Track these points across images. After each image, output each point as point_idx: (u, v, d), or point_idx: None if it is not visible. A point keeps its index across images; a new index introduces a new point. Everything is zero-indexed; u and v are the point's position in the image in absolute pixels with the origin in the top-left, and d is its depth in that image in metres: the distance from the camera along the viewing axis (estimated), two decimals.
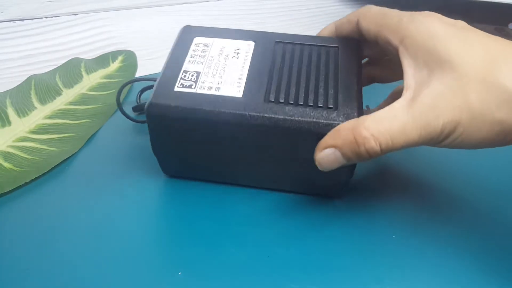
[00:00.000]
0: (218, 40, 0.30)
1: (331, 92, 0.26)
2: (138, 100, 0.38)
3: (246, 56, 0.28)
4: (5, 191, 0.29)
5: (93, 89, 0.41)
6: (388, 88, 0.31)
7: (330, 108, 0.25)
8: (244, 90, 0.26)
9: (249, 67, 0.28)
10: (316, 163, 0.24)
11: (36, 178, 0.30)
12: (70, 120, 0.36)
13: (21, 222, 0.27)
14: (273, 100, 0.26)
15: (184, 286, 0.23)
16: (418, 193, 0.30)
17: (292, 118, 0.25)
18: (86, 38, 0.52)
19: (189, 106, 0.25)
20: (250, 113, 0.25)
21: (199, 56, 0.28)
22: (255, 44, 0.29)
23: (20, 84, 0.39)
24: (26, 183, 0.30)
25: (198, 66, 0.28)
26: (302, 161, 0.26)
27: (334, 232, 0.27)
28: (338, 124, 0.24)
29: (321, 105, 0.25)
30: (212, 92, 0.26)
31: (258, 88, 0.26)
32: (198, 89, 0.26)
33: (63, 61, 0.44)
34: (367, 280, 0.24)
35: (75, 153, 0.33)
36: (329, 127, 0.24)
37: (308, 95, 0.26)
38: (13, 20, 0.52)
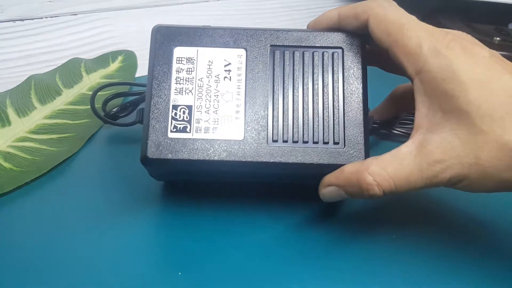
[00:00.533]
0: (203, 51, 0.26)
1: (337, 120, 0.25)
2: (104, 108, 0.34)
3: (239, 74, 0.25)
4: (5, 191, 0.29)
5: (93, 89, 0.41)
6: (387, 84, 0.31)
7: (337, 143, 0.25)
8: (245, 129, 0.25)
9: (245, 91, 0.25)
10: (320, 196, 0.24)
11: (36, 178, 0.30)
12: (70, 120, 0.36)
13: (21, 222, 0.27)
14: (276, 139, 0.24)
15: (184, 286, 0.23)
16: (419, 196, 0.30)
17: (298, 162, 0.24)
18: (86, 38, 0.51)
19: (188, 158, 0.24)
20: (254, 160, 0.24)
21: (186, 80, 0.25)
22: (247, 54, 0.26)
23: (20, 84, 0.39)
24: (26, 183, 0.30)
25: (188, 97, 0.25)
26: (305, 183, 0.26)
27: (334, 232, 0.27)
28: (344, 164, 0.24)
29: (327, 141, 0.25)
30: (210, 135, 0.24)
31: (260, 124, 0.25)
32: (195, 133, 0.24)
33: (63, 61, 0.44)
34: (367, 280, 0.24)
35: (75, 153, 0.33)
36: (336, 167, 0.24)
37: (314, 129, 0.25)
38: (13, 20, 0.52)
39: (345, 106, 0.25)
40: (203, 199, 0.29)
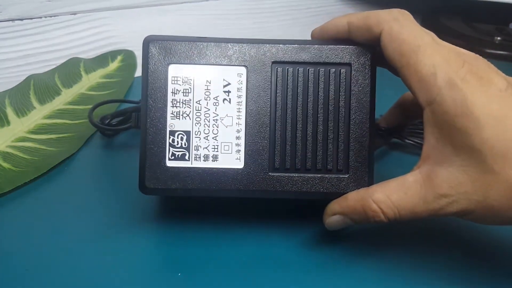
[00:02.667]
0: (200, 70, 0.24)
1: (341, 147, 0.24)
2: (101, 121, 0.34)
3: (239, 96, 0.24)
4: (4, 191, 0.29)
5: (92, 89, 0.41)
6: (397, 87, 0.30)
7: (340, 170, 0.24)
8: (245, 157, 0.24)
9: (246, 114, 0.24)
10: (326, 225, 0.24)
11: (35, 179, 0.30)
12: (69, 120, 0.36)
13: (20, 222, 0.27)
14: (278, 167, 0.24)
15: (183, 287, 0.23)
16: None
17: (300, 191, 0.24)
18: (85, 38, 0.51)
19: (188, 187, 0.23)
20: (254, 189, 0.24)
21: (183, 102, 0.23)
22: (247, 72, 0.24)
23: (19, 84, 0.39)
24: (25, 184, 0.30)
25: (185, 121, 0.23)
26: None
27: (334, 233, 0.27)
28: (348, 192, 0.23)
29: (331, 168, 0.24)
30: (210, 164, 0.23)
31: (261, 151, 0.24)
32: (194, 161, 0.23)
33: (62, 61, 0.44)
34: (367, 281, 0.24)
35: (74, 153, 0.33)
36: (339, 194, 0.24)
37: (317, 156, 0.24)
38: (12, 20, 0.52)
39: (351, 131, 0.24)
40: (203, 201, 0.29)
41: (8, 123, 0.34)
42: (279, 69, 0.24)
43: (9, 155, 0.31)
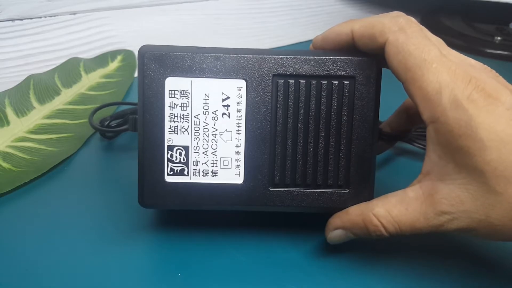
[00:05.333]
0: (198, 83, 0.23)
1: (342, 162, 0.23)
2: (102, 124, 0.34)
3: (239, 110, 0.23)
4: (4, 192, 0.28)
5: (92, 88, 0.41)
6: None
7: (341, 186, 0.24)
8: (245, 173, 0.23)
9: (245, 129, 0.23)
10: (327, 240, 0.24)
11: (35, 179, 0.30)
12: (69, 120, 0.36)
13: (20, 222, 0.27)
14: (278, 183, 0.23)
15: (184, 287, 0.23)
16: None
17: (299, 206, 0.24)
18: (85, 38, 0.51)
19: (187, 202, 0.24)
20: (254, 205, 0.24)
21: (180, 117, 0.23)
22: (247, 86, 0.23)
23: (19, 84, 0.39)
24: (25, 184, 0.29)
25: (184, 137, 0.23)
26: None
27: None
28: (348, 207, 0.23)
29: (331, 183, 0.24)
30: (209, 179, 0.23)
31: (261, 167, 0.23)
32: (193, 177, 0.23)
33: (62, 61, 0.44)
34: (368, 280, 0.24)
35: (74, 153, 0.33)
36: (339, 209, 0.24)
37: (317, 171, 0.23)
38: (12, 20, 0.52)
39: (353, 146, 0.23)
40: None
41: (8, 123, 0.34)
42: (280, 82, 0.23)
43: (9, 155, 0.31)
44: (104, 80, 0.42)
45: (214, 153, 0.23)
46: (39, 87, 0.39)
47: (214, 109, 0.23)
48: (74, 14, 0.55)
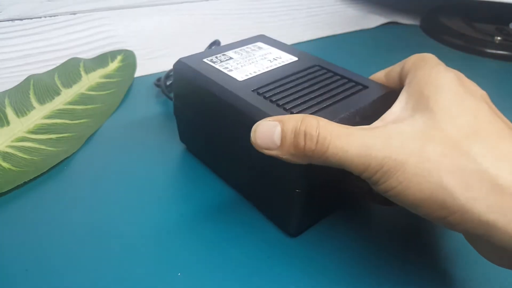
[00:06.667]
0: (273, 49, 0.32)
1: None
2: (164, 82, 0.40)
3: (279, 64, 0.30)
4: (4, 191, 0.29)
5: (92, 89, 0.41)
6: None
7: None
8: (248, 78, 0.28)
9: (272, 70, 0.29)
10: (252, 132, 0.22)
11: (34, 178, 0.30)
12: (69, 120, 0.36)
13: (20, 222, 0.27)
14: (261, 93, 0.26)
15: (183, 287, 0.23)
16: None
17: (267, 113, 0.24)
18: (85, 38, 0.51)
19: (199, 70, 0.29)
20: (235, 93, 0.26)
21: (246, 51, 0.32)
22: (297, 60, 0.30)
23: (19, 84, 0.39)
24: (25, 183, 0.30)
25: (237, 55, 0.31)
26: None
27: (335, 235, 0.27)
28: None
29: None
30: (224, 70, 0.29)
31: (260, 82, 0.27)
32: (217, 66, 0.29)
33: (62, 61, 0.44)
34: (369, 281, 0.24)
35: (73, 153, 0.33)
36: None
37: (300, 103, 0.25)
38: (12, 20, 0.52)
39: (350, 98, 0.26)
40: (206, 198, 0.29)
41: (8, 123, 0.34)
42: (317, 67, 0.29)
43: (9, 155, 0.31)
44: (104, 80, 0.42)
45: (241, 66, 0.30)
46: (39, 87, 0.39)
47: (265, 56, 0.31)
48: (74, 14, 0.55)
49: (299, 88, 0.26)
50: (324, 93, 0.26)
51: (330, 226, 0.27)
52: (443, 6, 0.67)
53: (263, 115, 0.24)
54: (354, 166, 0.20)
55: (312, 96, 0.26)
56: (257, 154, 0.22)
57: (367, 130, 0.20)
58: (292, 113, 0.24)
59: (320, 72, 0.28)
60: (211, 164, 0.32)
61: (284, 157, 0.21)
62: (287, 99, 0.25)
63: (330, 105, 0.25)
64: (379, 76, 0.28)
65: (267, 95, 0.26)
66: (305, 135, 0.20)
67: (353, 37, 0.58)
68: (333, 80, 0.28)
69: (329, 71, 0.29)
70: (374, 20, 0.65)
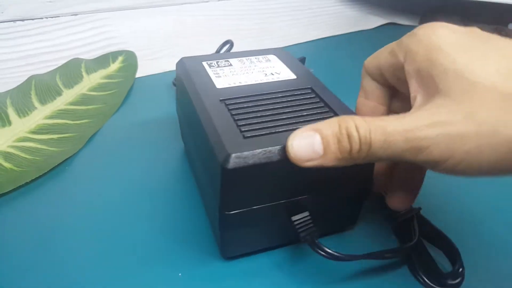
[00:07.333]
0: (279, 64, 0.30)
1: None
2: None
3: (272, 79, 0.28)
4: (6, 191, 0.29)
5: (93, 89, 0.41)
6: None
7: None
8: (227, 87, 0.27)
9: (259, 83, 0.27)
10: (289, 147, 0.21)
11: (36, 178, 0.30)
12: (70, 120, 0.36)
13: (22, 222, 0.27)
14: (227, 104, 0.25)
15: (183, 286, 0.23)
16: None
17: (216, 125, 0.23)
18: (87, 38, 0.52)
19: (190, 71, 0.28)
20: (203, 99, 0.25)
21: (250, 61, 0.30)
22: (294, 79, 0.28)
23: (20, 84, 0.39)
24: (27, 183, 0.30)
25: (240, 63, 0.30)
26: None
27: (336, 237, 0.27)
28: None
29: None
30: (212, 76, 0.28)
31: (235, 93, 0.26)
32: (210, 70, 0.29)
33: (64, 61, 0.44)
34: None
35: (75, 153, 0.33)
36: None
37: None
38: (14, 20, 0.52)
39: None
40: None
41: (10, 123, 0.35)
42: (309, 90, 0.27)
43: (11, 155, 0.31)
44: (105, 80, 0.42)
45: (238, 75, 0.29)
46: (41, 87, 0.39)
47: (262, 70, 0.30)
48: (76, 15, 0.55)
49: (268, 108, 0.25)
50: (290, 117, 0.24)
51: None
52: (441, 7, 0.67)
53: (212, 126, 0.23)
54: (407, 152, 0.19)
55: (274, 118, 0.24)
56: (209, 165, 0.22)
57: (402, 116, 0.19)
58: (241, 131, 0.22)
59: (306, 96, 0.26)
60: (191, 167, 0.31)
61: (329, 164, 0.20)
62: (248, 116, 0.24)
63: (284, 131, 0.23)
64: (366, 103, 0.25)
65: (231, 107, 0.25)
66: (348, 137, 0.20)
67: (352, 38, 0.58)
68: (312, 106, 0.25)
69: (317, 95, 0.26)
70: (373, 21, 0.65)
